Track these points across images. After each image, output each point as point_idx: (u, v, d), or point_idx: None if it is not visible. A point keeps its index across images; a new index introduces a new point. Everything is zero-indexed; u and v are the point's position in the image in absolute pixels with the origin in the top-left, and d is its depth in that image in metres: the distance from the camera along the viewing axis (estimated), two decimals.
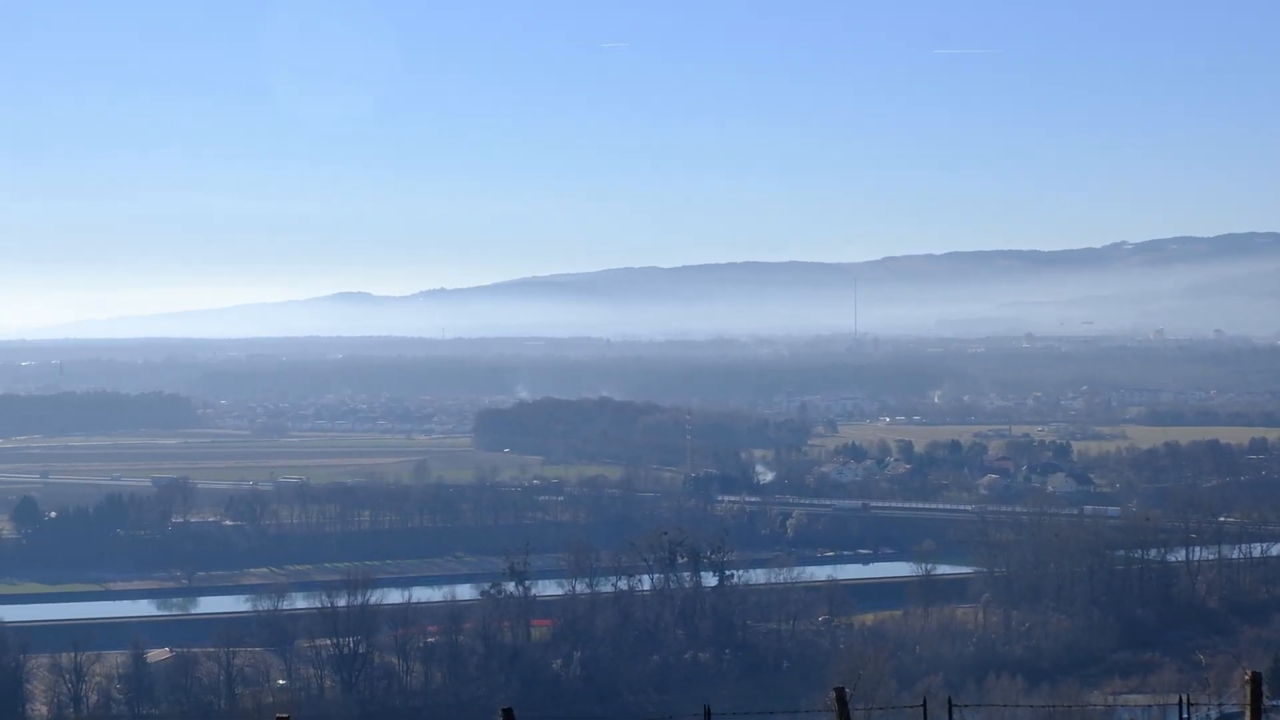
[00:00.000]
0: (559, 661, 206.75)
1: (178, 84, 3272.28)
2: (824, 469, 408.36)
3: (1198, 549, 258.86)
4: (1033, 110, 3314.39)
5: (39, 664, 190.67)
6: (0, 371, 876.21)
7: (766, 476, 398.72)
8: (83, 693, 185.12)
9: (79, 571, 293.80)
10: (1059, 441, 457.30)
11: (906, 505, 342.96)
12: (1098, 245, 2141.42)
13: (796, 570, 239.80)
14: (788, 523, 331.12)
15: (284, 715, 25.96)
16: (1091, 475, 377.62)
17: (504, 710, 26.85)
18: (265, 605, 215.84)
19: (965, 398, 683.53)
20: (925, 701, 34.96)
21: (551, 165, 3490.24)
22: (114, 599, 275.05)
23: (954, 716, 36.45)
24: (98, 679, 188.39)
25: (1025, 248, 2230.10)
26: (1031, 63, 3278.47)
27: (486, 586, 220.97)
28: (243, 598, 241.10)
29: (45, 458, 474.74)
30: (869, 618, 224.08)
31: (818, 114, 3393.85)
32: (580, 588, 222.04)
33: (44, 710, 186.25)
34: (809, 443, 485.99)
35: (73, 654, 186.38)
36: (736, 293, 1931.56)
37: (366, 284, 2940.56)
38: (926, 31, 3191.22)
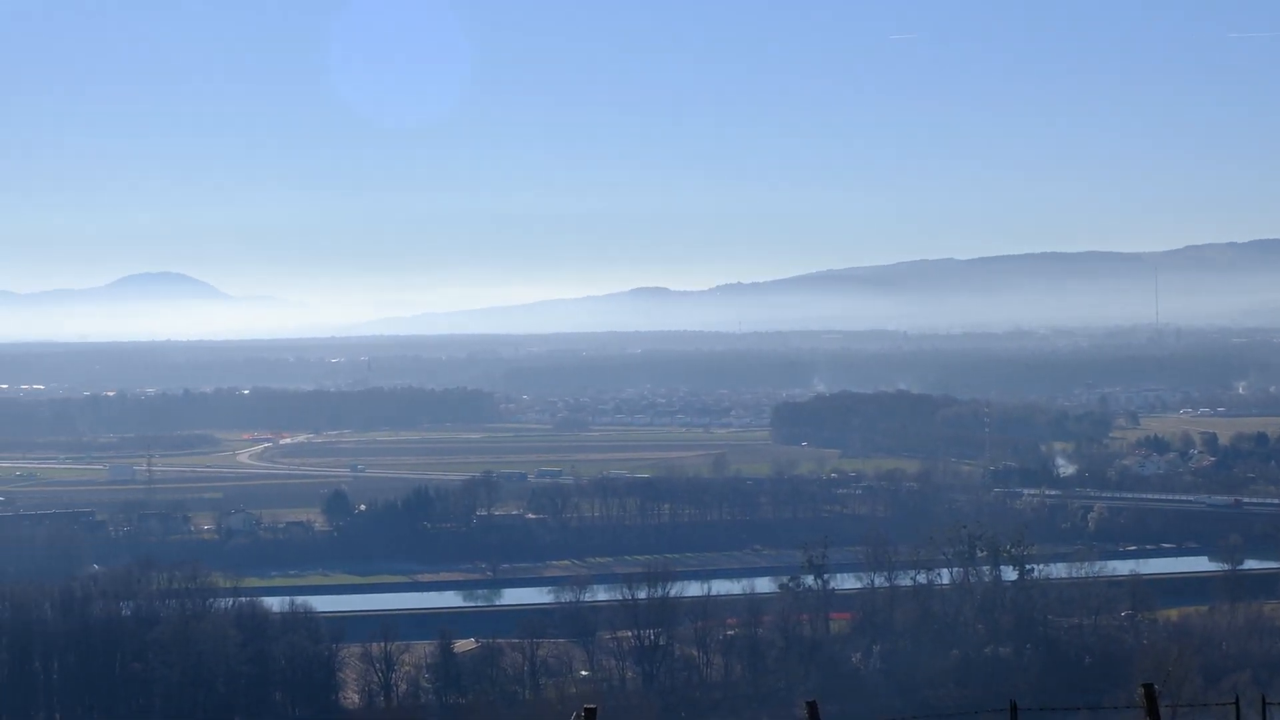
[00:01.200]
0: (858, 655, 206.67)
1: (490, 87, 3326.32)
2: (1125, 462, 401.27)
3: None
4: None
5: (351, 653, 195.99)
6: (312, 368, 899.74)
7: (1066, 469, 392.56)
8: (393, 681, 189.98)
9: (388, 563, 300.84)
10: None
11: (1211, 499, 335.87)
12: None
13: (1098, 565, 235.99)
14: (1088, 516, 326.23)
15: (591, 706, 26.64)
16: None
17: (808, 703, 27.47)
18: (567, 597, 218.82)
19: (1271, 388, 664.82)
20: (1238, 699, 34.69)
21: (847, 158, 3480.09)
22: (421, 590, 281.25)
23: (1268, 715, 36.09)
24: (407, 668, 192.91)
25: None
26: None
27: (785, 579, 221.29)
28: (545, 590, 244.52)
29: (355, 452, 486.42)
30: (1173, 613, 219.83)
31: (1114, 103, 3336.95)
32: (879, 581, 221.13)
33: (356, 698, 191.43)
34: (1109, 435, 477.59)
35: (383, 643, 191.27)
36: (1034, 284, 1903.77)
37: (664, 279, 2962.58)
38: (1218, 15, 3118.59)
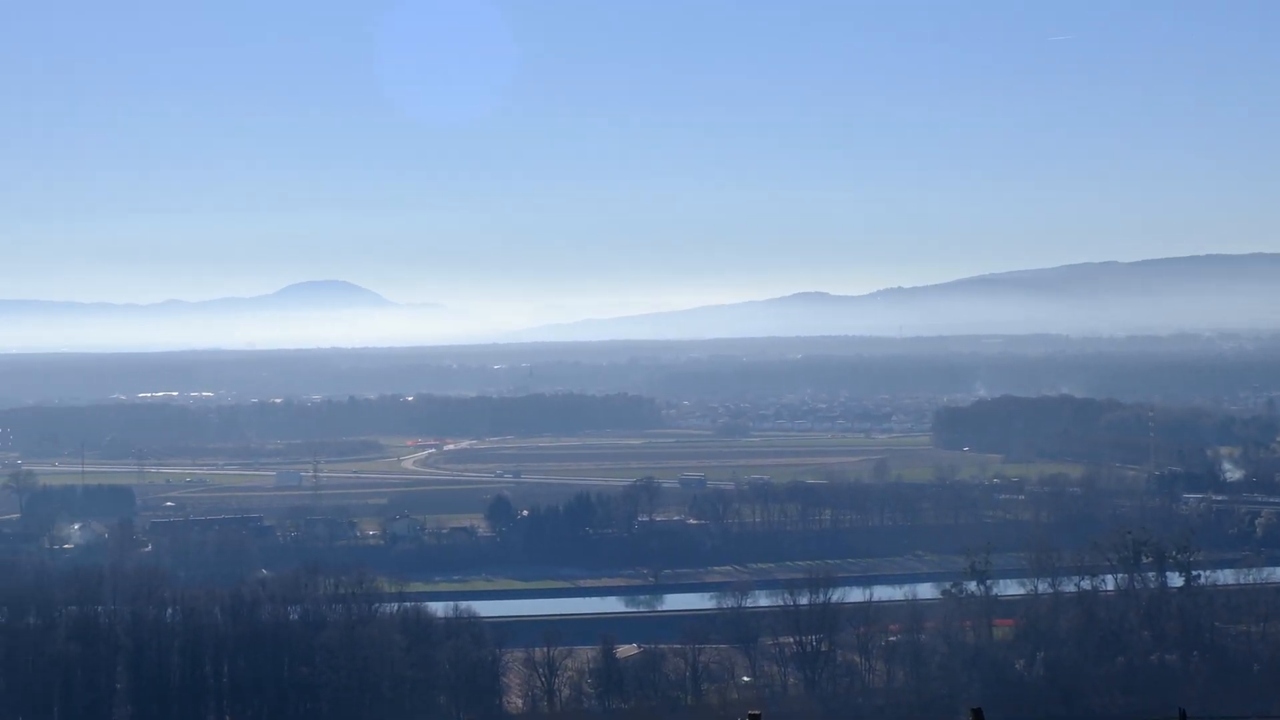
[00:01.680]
0: (1022, 661, 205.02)
1: (649, 92, 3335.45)
2: None
3: None
4: None
5: (515, 657, 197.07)
6: (474, 375, 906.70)
7: (1233, 474, 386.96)
8: (555, 686, 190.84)
9: (550, 568, 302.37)
10: None
11: None
12: None
13: (1266, 571, 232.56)
14: (1256, 522, 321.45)
15: (755, 712, 27.11)
16: None
17: (973, 710, 27.79)
18: (729, 603, 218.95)
19: None
20: None
21: (1009, 161, 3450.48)
22: (584, 595, 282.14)
23: None
24: (569, 673, 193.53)
25: None
26: None
27: (948, 585, 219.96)
28: (707, 595, 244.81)
29: (517, 458, 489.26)
30: None
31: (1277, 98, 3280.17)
32: (1042, 587, 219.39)
33: (519, 702, 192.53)
34: (1277, 439, 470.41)
35: (546, 648, 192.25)
36: (1199, 287, 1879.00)
37: (824, 284, 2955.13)
38: None
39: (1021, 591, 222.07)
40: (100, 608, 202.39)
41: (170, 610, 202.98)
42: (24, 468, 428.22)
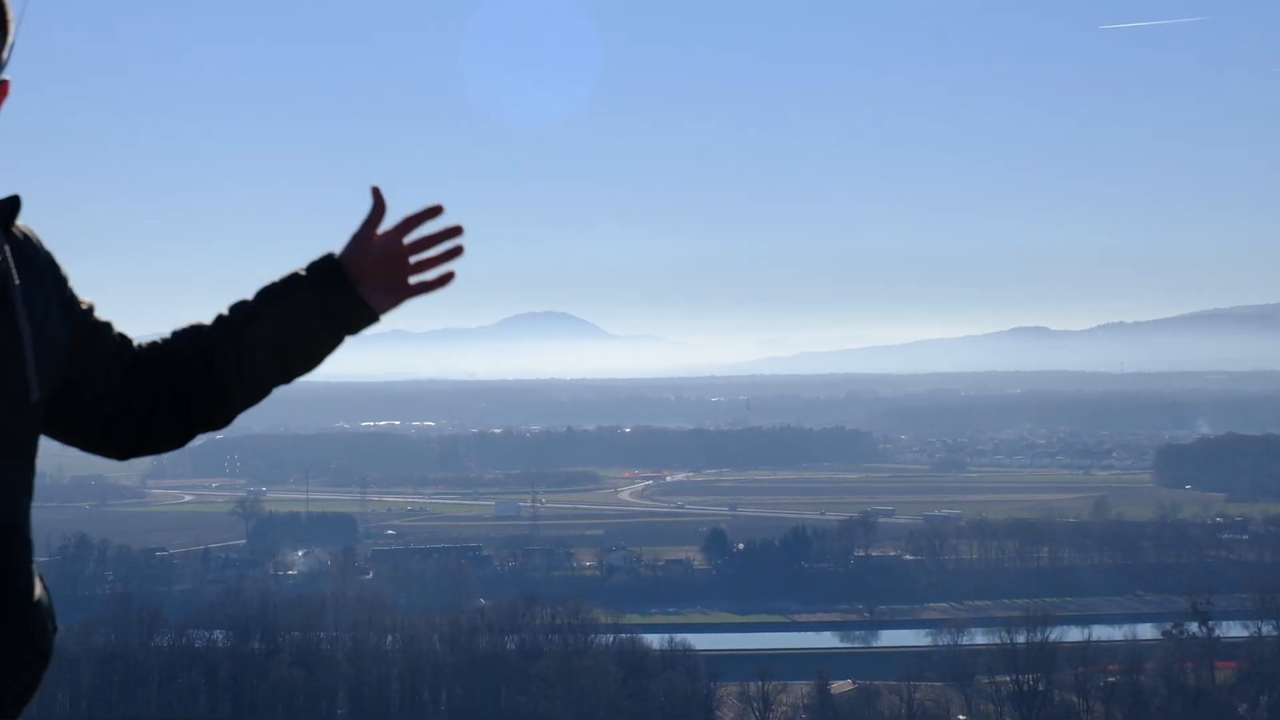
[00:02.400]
0: (1244, 705, 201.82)
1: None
2: None
3: None
4: None
5: (728, 692, 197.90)
6: (692, 407, 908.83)
7: None
8: None
9: (764, 602, 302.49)
10: None
11: None
12: None
13: None
14: None
15: None
16: None
17: None
18: (945, 640, 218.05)
19: None
20: None
21: (1232, 194, 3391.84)
22: (798, 630, 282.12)
23: None
24: (784, 708, 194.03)
25: None
26: None
27: (1168, 626, 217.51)
28: (922, 632, 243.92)
29: (733, 491, 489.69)
30: None
31: None
32: (1266, 629, 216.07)
33: None
34: None
35: (760, 683, 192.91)
36: None
37: (1044, 318, 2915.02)
38: None
39: (1245, 633, 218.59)
40: (322, 634, 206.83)
41: (390, 637, 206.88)
42: (252, 494, 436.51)
